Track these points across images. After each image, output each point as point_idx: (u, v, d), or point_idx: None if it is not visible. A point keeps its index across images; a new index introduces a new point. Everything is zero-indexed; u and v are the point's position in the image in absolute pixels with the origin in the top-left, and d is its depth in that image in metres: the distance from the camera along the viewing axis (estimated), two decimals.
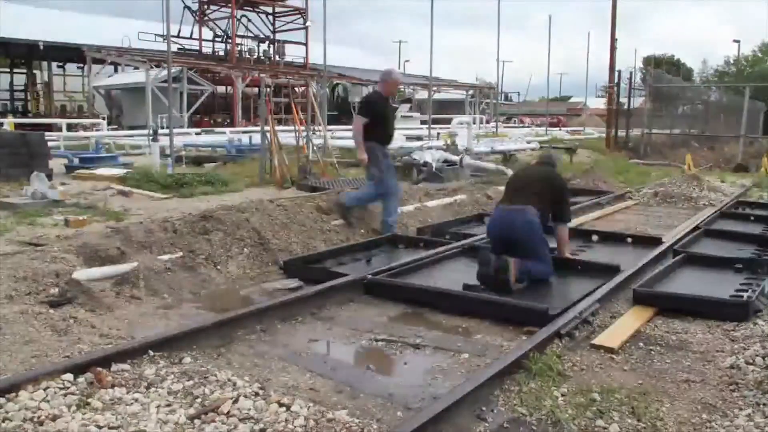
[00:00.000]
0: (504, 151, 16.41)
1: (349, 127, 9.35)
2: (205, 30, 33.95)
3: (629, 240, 6.76)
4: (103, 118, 23.43)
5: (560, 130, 37.38)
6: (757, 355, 3.54)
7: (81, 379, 2.99)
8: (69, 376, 2.99)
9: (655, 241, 6.53)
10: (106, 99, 29.51)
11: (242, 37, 34.17)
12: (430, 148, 13.16)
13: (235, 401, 2.88)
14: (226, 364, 3.47)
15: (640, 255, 5.88)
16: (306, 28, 34.70)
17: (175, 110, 21.84)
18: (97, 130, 20.83)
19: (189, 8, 32.99)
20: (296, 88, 12.68)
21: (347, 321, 4.34)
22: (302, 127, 12.09)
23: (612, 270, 5.22)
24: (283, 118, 13.80)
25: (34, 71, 34.73)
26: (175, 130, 14.83)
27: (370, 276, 4.93)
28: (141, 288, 4.74)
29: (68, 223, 6.54)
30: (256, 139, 14.43)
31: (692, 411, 3.02)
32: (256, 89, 26.54)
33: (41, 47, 27.98)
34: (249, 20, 35.03)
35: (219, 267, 5.36)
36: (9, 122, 18.71)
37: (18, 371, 3.14)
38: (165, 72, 15.70)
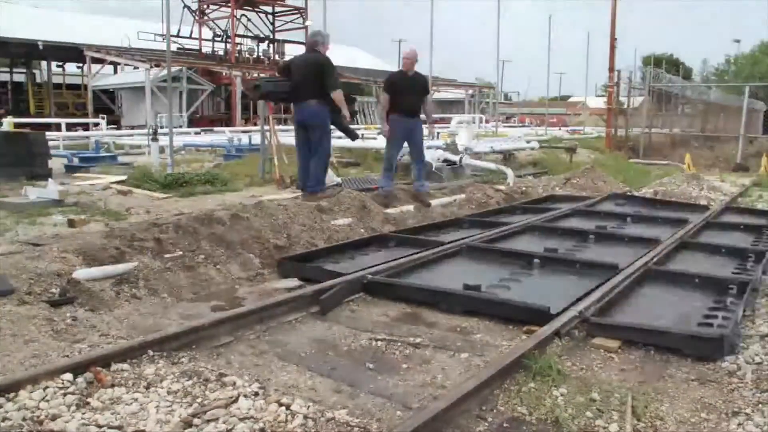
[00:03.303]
0: (504, 151, 16.40)
1: None
2: (204, 29, 33.93)
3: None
4: (103, 118, 23.38)
5: (560, 129, 37.39)
6: (756, 355, 3.54)
7: (80, 379, 2.99)
8: (68, 376, 2.99)
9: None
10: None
11: (242, 36, 34.15)
12: (430, 147, 13.14)
13: (235, 401, 2.88)
14: (226, 363, 3.47)
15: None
16: (306, 27, 34.68)
17: (175, 110, 21.83)
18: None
19: (189, 8, 32.99)
20: None
21: (346, 320, 4.34)
22: None
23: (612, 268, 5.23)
24: (283, 118, 13.81)
25: (34, 71, 34.72)
26: (175, 130, 14.83)
27: (369, 276, 4.93)
28: (141, 287, 4.74)
29: (72, 223, 6.52)
30: (256, 138, 14.44)
31: (692, 411, 3.02)
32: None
33: (40, 47, 27.96)
34: (249, 20, 35.03)
35: (219, 266, 5.36)
36: (8, 122, 18.69)
37: (18, 371, 3.14)
38: (164, 71, 15.71)
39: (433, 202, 8.69)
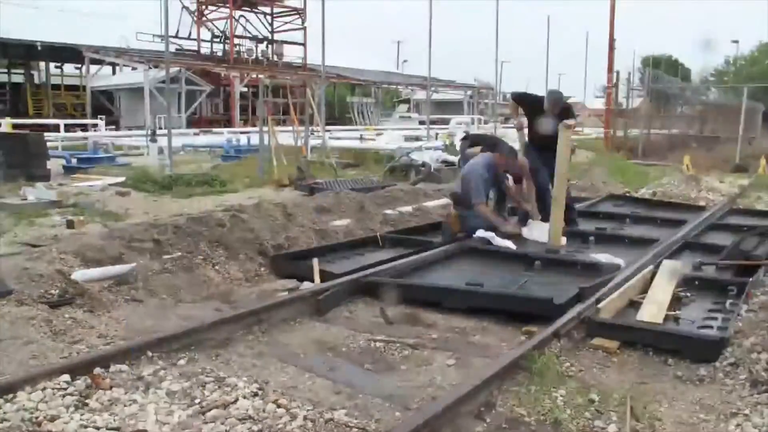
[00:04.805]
0: None
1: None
2: (203, 30, 33.92)
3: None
4: (101, 118, 23.38)
5: None
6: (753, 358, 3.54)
7: (79, 380, 2.99)
8: (67, 377, 2.98)
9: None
10: None
11: (240, 37, 34.14)
12: (428, 148, 13.17)
13: (234, 402, 2.88)
14: (225, 364, 3.46)
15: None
16: (304, 28, 34.69)
17: (174, 111, 21.82)
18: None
19: (187, 8, 32.96)
20: (294, 89, 12.70)
21: (345, 321, 4.34)
22: (301, 128, 12.10)
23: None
24: (281, 119, 13.81)
25: (32, 72, 34.64)
26: (174, 131, 14.82)
27: (368, 276, 4.93)
28: (139, 288, 4.74)
29: (71, 224, 6.52)
30: (255, 139, 14.44)
31: (690, 411, 3.02)
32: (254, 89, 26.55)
33: (39, 47, 27.92)
34: (247, 20, 35.01)
35: (217, 267, 5.36)
36: (7, 123, 18.68)
37: (16, 372, 3.14)
38: (163, 72, 15.71)
39: (432, 203, 8.69)
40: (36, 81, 34.69)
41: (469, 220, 6.42)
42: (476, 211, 6.37)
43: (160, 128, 18.30)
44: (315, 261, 5.34)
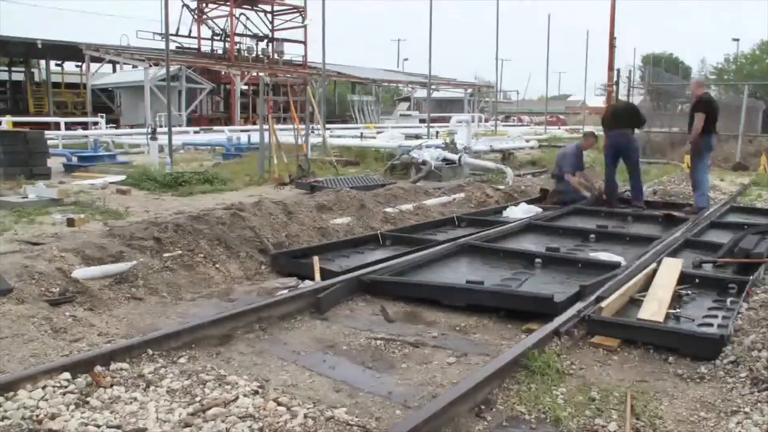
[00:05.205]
0: (503, 150, 16.43)
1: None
2: (203, 28, 33.94)
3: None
4: (102, 116, 23.38)
5: (559, 128, 37.44)
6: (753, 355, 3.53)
7: (79, 379, 2.99)
8: (67, 375, 2.99)
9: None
10: None
11: (241, 35, 34.16)
12: (429, 146, 13.15)
13: (234, 400, 2.88)
14: (225, 362, 3.47)
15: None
16: (305, 26, 34.68)
17: (174, 109, 21.80)
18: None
19: (188, 6, 32.98)
20: (294, 87, 12.68)
21: (346, 319, 4.33)
22: (301, 126, 12.09)
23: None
24: (282, 117, 13.79)
25: (32, 69, 34.63)
26: (174, 129, 14.82)
27: (368, 274, 4.93)
28: (140, 287, 4.74)
29: (72, 222, 6.51)
30: (255, 137, 14.43)
31: (691, 409, 3.02)
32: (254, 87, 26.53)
33: (39, 45, 27.91)
34: (248, 18, 35.06)
35: (218, 266, 5.36)
36: (7, 121, 18.69)
37: (17, 370, 3.14)
38: (164, 70, 15.71)
39: (432, 201, 8.69)
40: (36, 79, 34.68)
41: (565, 194, 9.11)
42: (566, 180, 9.05)
43: (161, 126, 18.29)
44: (315, 259, 5.35)
